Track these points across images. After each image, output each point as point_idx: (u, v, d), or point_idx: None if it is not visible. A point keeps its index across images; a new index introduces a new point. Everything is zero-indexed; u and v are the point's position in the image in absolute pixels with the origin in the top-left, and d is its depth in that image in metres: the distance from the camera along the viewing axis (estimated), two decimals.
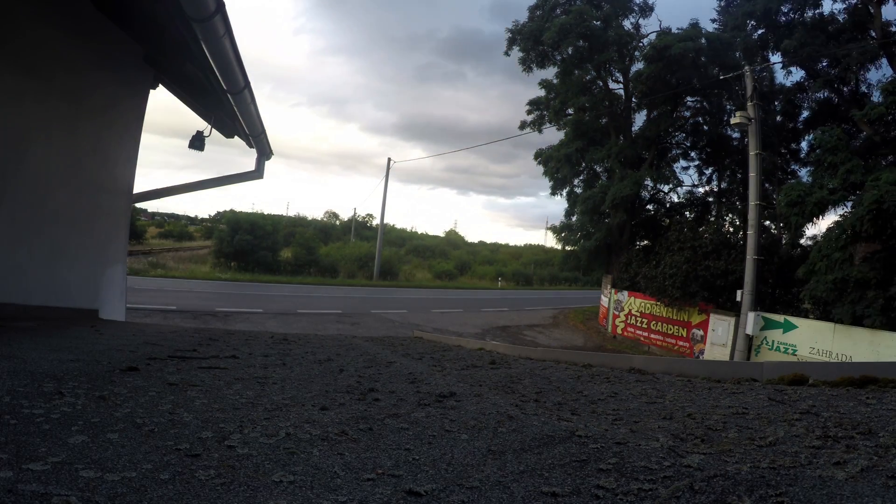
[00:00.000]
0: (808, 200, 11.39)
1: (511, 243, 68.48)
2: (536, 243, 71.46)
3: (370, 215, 53.45)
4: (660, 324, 16.11)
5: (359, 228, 49.68)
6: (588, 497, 1.47)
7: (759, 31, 15.18)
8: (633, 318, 17.43)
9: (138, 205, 8.25)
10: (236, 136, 7.12)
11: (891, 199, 9.10)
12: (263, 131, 6.61)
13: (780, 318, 12.07)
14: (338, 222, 55.64)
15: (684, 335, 15.12)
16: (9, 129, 4.48)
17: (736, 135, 18.37)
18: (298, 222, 48.96)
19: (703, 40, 17.54)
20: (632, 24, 21.27)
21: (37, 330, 4.10)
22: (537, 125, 22.36)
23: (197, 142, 6.48)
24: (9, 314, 4.49)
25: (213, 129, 6.63)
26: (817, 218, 11.92)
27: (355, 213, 53.26)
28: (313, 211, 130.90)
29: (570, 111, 21.41)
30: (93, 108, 5.61)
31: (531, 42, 20.10)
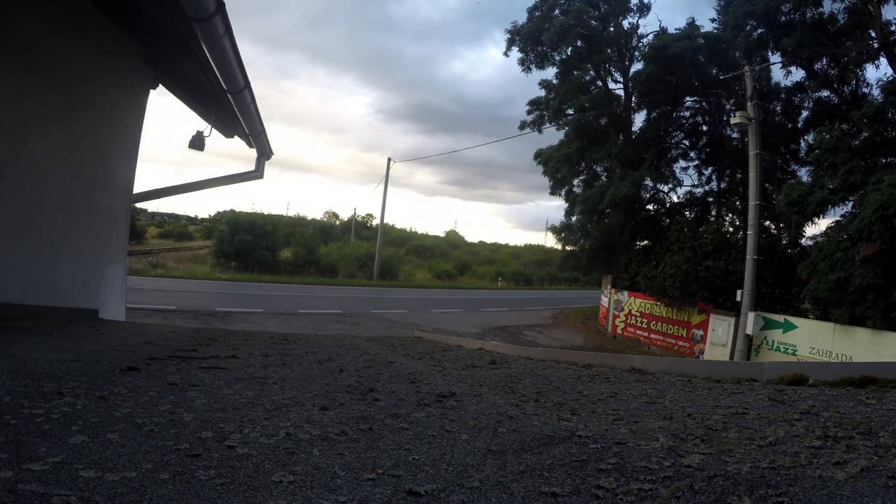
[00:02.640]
0: (809, 201, 11.38)
1: (511, 243, 68.45)
2: (536, 243, 71.44)
3: (370, 215, 53.44)
4: (660, 324, 16.11)
5: (359, 228, 49.65)
6: (588, 497, 1.47)
7: (759, 31, 15.17)
8: (633, 318, 17.43)
9: (138, 205, 8.24)
10: (236, 136, 7.13)
11: (895, 203, 9.08)
12: (263, 131, 6.61)
13: (780, 318, 12.07)
14: (338, 222, 55.59)
15: (684, 335, 15.12)
16: (8, 129, 4.48)
17: (736, 135, 18.36)
18: (298, 222, 48.91)
19: (702, 40, 17.55)
20: (630, 23, 21.30)
21: (37, 330, 4.10)
22: (537, 125, 22.34)
23: (197, 142, 6.48)
24: (8, 314, 4.49)
25: (213, 129, 6.63)
26: (818, 218, 11.91)
27: (355, 213, 53.28)
28: (313, 211, 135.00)
29: (570, 111, 21.40)
30: (93, 107, 5.61)
31: (530, 42, 20.09)
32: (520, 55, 20.54)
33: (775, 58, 14.88)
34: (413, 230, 60.70)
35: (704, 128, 20.37)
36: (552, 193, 23.27)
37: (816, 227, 12.77)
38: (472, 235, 78.29)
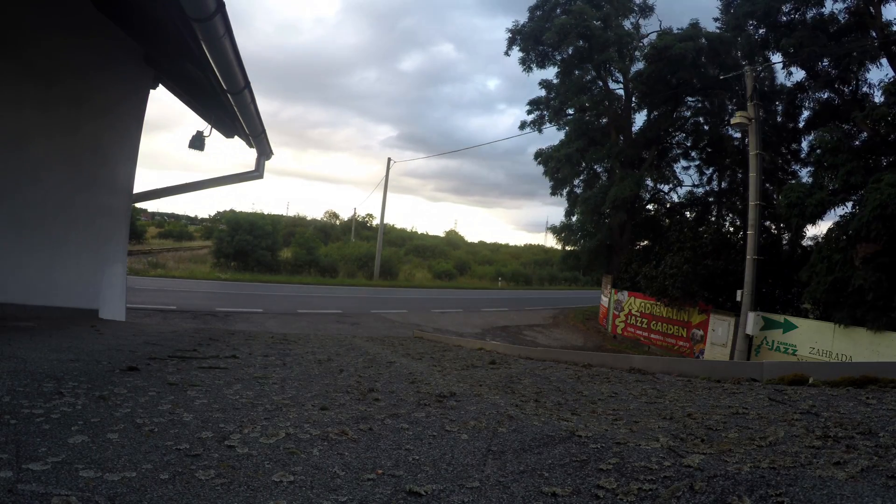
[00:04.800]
0: (809, 201, 11.37)
1: (511, 243, 68.44)
2: (536, 244, 71.39)
3: (370, 215, 53.39)
4: (660, 324, 16.11)
5: (359, 228, 49.62)
6: (588, 497, 1.47)
7: (760, 31, 15.15)
8: (633, 318, 17.42)
9: (138, 205, 8.24)
10: (236, 136, 7.13)
11: (893, 202, 9.08)
12: (263, 131, 6.61)
13: (780, 318, 12.07)
14: (338, 222, 55.53)
15: (684, 335, 15.12)
16: (9, 129, 4.48)
17: (736, 135, 18.32)
18: (298, 222, 48.92)
19: (704, 40, 17.53)
20: (632, 24, 21.27)
21: (37, 330, 4.10)
22: (537, 125, 22.34)
23: (197, 142, 6.48)
24: (9, 314, 4.49)
25: (213, 129, 6.63)
26: (818, 219, 11.91)
27: (355, 213, 53.26)
28: (313, 211, 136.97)
29: (571, 111, 21.39)
30: (93, 107, 5.61)
31: (531, 42, 20.10)
32: (521, 54, 20.58)
33: (776, 58, 14.87)
34: (413, 230, 60.54)
35: (706, 128, 20.35)
36: (553, 193, 23.24)
37: (818, 228, 12.78)
38: (471, 235, 78.30)
